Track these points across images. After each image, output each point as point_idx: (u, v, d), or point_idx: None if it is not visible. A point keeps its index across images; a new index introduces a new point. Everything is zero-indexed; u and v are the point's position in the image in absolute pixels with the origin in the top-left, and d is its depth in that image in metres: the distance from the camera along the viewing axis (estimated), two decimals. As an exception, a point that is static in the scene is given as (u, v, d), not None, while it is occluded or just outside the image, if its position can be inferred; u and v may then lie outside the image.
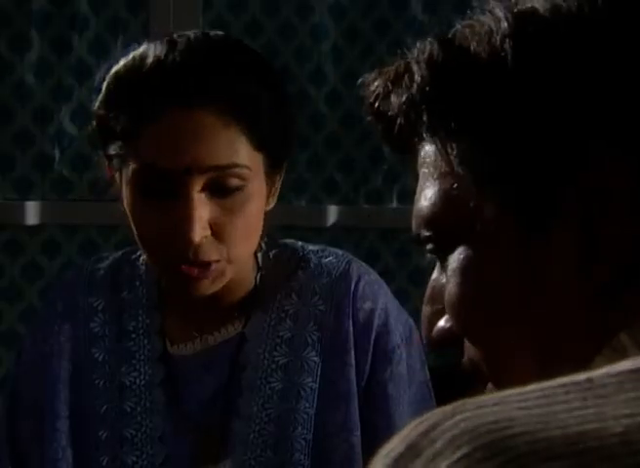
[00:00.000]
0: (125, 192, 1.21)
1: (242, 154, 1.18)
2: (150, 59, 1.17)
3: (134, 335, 1.31)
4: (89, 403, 1.30)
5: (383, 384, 1.29)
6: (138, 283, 1.34)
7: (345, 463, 1.27)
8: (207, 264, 1.19)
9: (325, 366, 1.29)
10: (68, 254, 2.53)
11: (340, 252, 1.35)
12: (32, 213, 2.49)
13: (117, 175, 1.23)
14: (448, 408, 0.48)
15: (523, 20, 0.61)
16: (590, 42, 0.59)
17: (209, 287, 1.21)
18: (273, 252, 1.34)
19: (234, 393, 1.28)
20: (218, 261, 1.19)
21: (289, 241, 1.37)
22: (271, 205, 1.27)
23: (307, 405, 1.28)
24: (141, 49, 1.20)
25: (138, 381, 1.30)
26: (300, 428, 1.27)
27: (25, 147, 2.50)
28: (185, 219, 1.16)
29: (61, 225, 2.54)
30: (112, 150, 1.21)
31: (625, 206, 0.58)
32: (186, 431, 1.28)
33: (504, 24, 0.62)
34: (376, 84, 0.67)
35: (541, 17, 0.61)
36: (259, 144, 1.20)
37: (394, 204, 2.61)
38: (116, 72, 1.20)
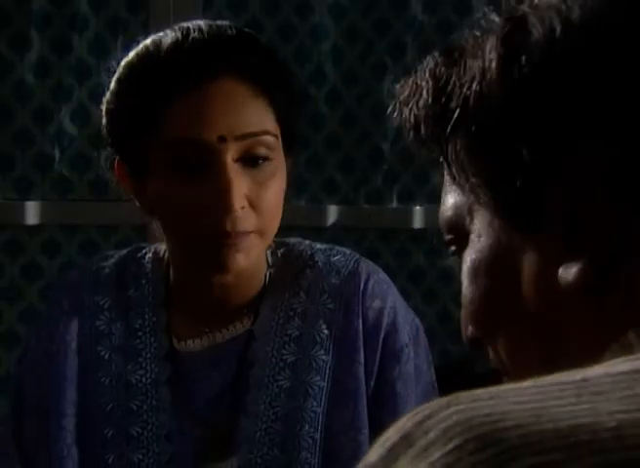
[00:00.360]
0: (152, 180, 1.21)
1: (270, 123, 1.20)
2: (168, 42, 1.18)
3: (140, 333, 1.31)
4: (95, 401, 1.30)
5: (392, 383, 1.29)
6: (144, 281, 1.33)
7: (353, 462, 1.26)
8: (244, 235, 1.18)
9: (334, 364, 1.29)
10: (68, 254, 2.53)
11: (347, 251, 1.35)
12: (32, 213, 2.49)
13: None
14: (443, 400, 0.49)
15: (512, 26, 0.62)
16: (576, 46, 0.60)
17: (243, 261, 1.20)
18: (281, 250, 1.34)
19: (241, 390, 1.28)
20: (252, 233, 1.19)
21: (296, 240, 1.37)
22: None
23: (315, 403, 1.28)
24: (151, 38, 1.20)
25: (144, 379, 1.29)
26: (307, 426, 1.27)
27: (25, 147, 2.49)
28: (224, 189, 1.15)
29: (61, 225, 2.54)
30: (130, 137, 1.20)
31: (623, 206, 0.58)
32: (193, 429, 1.28)
33: (494, 36, 0.63)
34: (401, 95, 0.69)
35: (528, 25, 0.61)
36: (279, 117, 1.21)
37: (394, 204, 2.61)
38: (131, 61, 1.20)
